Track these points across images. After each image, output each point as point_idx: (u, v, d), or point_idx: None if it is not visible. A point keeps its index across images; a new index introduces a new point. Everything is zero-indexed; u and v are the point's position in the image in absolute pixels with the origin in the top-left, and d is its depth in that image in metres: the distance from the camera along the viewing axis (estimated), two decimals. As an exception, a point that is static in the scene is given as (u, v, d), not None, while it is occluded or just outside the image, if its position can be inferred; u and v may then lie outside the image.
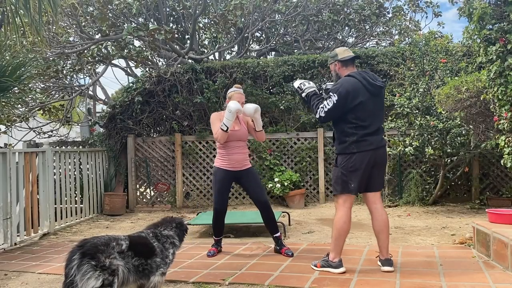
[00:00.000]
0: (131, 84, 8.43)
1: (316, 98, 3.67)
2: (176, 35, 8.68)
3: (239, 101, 4.20)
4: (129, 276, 2.64)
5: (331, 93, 3.51)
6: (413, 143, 6.40)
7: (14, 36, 4.74)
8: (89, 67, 9.01)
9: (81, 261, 2.45)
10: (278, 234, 4.30)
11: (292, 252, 4.21)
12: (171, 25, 10.13)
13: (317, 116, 3.59)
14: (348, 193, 3.53)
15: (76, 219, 6.77)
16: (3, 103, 4.57)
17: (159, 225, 3.06)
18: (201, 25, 10.60)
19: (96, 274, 2.44)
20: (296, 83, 3.85)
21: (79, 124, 11.07)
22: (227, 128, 4.07)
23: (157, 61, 9.26)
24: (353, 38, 11.93)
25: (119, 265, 2.56)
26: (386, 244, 3.57)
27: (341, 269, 3.52)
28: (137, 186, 8.29)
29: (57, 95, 9.35)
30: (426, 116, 6.45)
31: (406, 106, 6.65)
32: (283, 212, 6.17)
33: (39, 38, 4.89)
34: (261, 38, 11.91)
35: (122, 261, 2.59)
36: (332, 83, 3.80)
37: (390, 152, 7.07)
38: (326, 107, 3.52)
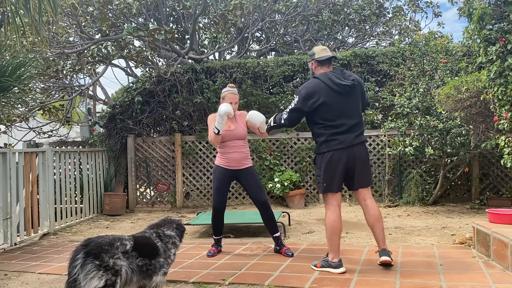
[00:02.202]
0: (131, 84, 8.44)
1: (278, 115, 3.85)
2: (176, 35, 8.68)
3: (231, 102, 4.25)
4: (133, 276, 2.64)
5: (294, 95, 3.67)
6: (413, 143, 6.41)
7: (14, 36, 4.73)
8: (89, 67, 9.01)
9: (85, 260, 2.45)
10: (278, 234, 4.29)
11: (292, 252, 4.20)
12: (171, 25, 10.12)
13: (282, 122, 3.73)
14: (329, 192, 3.58)
15: (76, 219, 6.77)
16: (3, 103, 4.57)
17: (161, 225, 3.06)
18: (201, 25, 10.59)
19: (100, 274, 2.45)
20: (265, 126, 4.07)
21: (79, 124, 11.06)
22: (219, 131, 4.11)
23: (157, 61, 9.26)
24: (353, 38, 11.94)
25: (122, 265, 2.56)
26: (382, 236, 3.62)
27: (341, 269, 3.52)
28: (137, 186, 8.29)
29: (57, 95, 9.35)
30: (426, 116, 6.45)
31: (406, 106, 6.65)
32: (283, 212, 6.18)
33: (39, 38, 4.89)
34: (261, 38, 11.91)
35: (126, 261, 2.59)
36: None
37: (390, 152, 7.08)
38: (288, 109, 3.67)
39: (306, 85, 3.64)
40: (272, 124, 3.90)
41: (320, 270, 3.60)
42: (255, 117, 4.27)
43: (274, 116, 3.95)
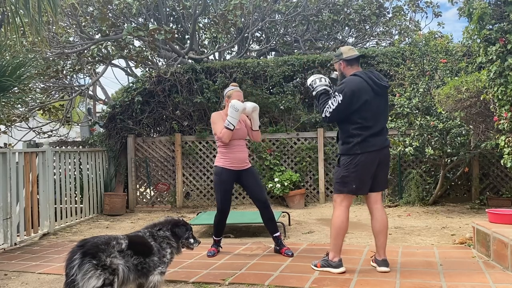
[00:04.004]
0: (131, 84, 8.44)
1: (324, 97, 3.62)
2: (176, 35, 8.68)
3: (238, 100, 4.21)
4: (129, 274, 2.65)
5: (336, 93, 3.47)
6: (413, 143, 6.40)
7: (14, 36, 4.74)
8: (89, 67, 9.01)
9: (82, 260, 2.45)
10: (278, 234, 4.29)
11: (292, 252, 4.21)
12: (171, 25, 10.13)
13: (323, 115, 3.56)
14: (348, 193, 3.53)
15: (76, 219, 6.77)
16: (3, 103, 4.57)
17: (156, 225, 3.07)
18: (201, 25, 10.59)
19: (97, 273, 2.45)
20: (309, 80, 3.80)
21: (79, 124, 11.07)
22: (234, 127, 4.06)
23: (157, 61, 9.26)
24: (353, 38, 11.94)
25: (119, 264, 2.58)
26: (384, 245, 3.57)
27: (341, 269, 3.52)
28: (137, 186, 8.29)
29: (57, 95, 9.35)
30: (426, 116, 6.45)
31: (406, 106, 6.65)
32: (283, 212, 6.17)
33: (39, 38, 4.89)
34: (261, 38, 11.91)
35: (122, 260, 2.61)
36: (336, 73, 3.77)
37: (390, 152, 7.06)
38: (331, 107, 3.47)
39: (349, 83, 3.47)
40: (314, 94, 3.70)
41: (320, 270, 3.60)
42: (248, 105, 4.19)
43: (320, 88, 3.65)
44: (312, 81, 3.75)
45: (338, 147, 3.64)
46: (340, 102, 3.42)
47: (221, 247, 4.46)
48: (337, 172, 3.59)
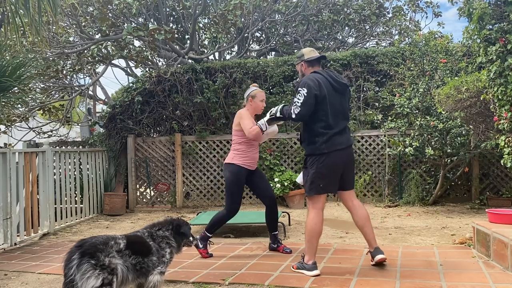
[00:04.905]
0: (131, 84, 8.44)
1: (286, 107, 3.73)
2: (176, 35, 8.68)
3: (263, 99, 4.30)
4: (128, 274, 2.65)
5: (299, 88, 3.47)
6: (413, 143, 6.40)
7: (14, 36, 4.74)
8: (89, 67, 9.01)
9: (80, 260, 2.45)
10: (277, 232, 4.37)
11: (290, 249, 4.27)
12: (171, 25, 10.12)
13: (293, 116, 3.52)
14: (317, 194, 3.52)
15: (76, 219, 6.77)
16: (3, 103, 4.57)
17: (155, 225, 3.08)
18: (201, 25, 10.60)
19: (96, 273, 2.45)
20: (268, 114, 3.93)
21: (79, 124, 11.07)
22: (266, 129, 4.05)
23: (157, 61, 9.27)
24: (353, 38, 11.94)
25: (118, 263, 2.58)
26: (372, 236, 3.61)
27: (315, 272, 3.48)
28: (137, 186, 8.29)
29: (57, 95, 9.35)
30: (426, 116, 6.45)
31: (406, 106, 6.65)
32: (283, 212, 6.17)
33: (39, 38, 4.89)
34: (261, 38, 11.91)
35: (121, 260, 2.61)
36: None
37: (390, 152, 7.08)
38: (298, 103, 3.46)
39: (309, 77, 3.51)
40: (278, 115, 3.77)
41: (296, 272, 3.60)
42: (274, 130, 4.27)
43: (279, 106, 3.81)
44: (269, 112, 3.91)
45: (304, 148, 3.63)
46: (305, 94, 3.42)
47: (212, 243, 4.41)
48: (305, 173, 3.59)
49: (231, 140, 4.59)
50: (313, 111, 3.47)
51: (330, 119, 3.46)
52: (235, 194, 4.18)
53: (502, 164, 4.82)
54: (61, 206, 6.37)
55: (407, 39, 9.92)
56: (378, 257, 3.54)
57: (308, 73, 3.63)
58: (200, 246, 4.25)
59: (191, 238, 3.18)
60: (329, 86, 3.49)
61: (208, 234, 4.31)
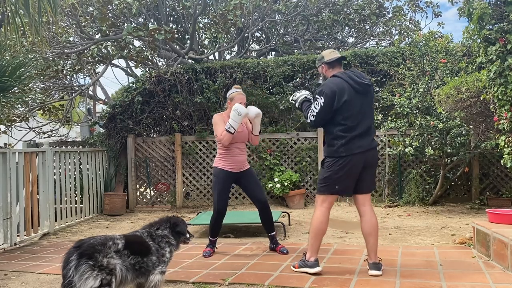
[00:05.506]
0: (131, 84, 8.44)
1: (307, 104, 3.69)
2: (176, 35, 8.68)
3: (241, 102, 4.21)
4: (127, 274, 2.65)
5: (317, 96, 3.49)
6: (413, 143, 6.40)
7: (14, 36, 4.73)
8: (89, 67, 9.01)
9: (79, 261, 2.45)
10: (274, 233, 4.39)
11: (287, 249, 4.28)
12: (171, 25, 10.13)
13: (308, 120, 3.57)
14: (330, 194, 3.51)
15: (76, 219, 6.77)
16: (3, 103, 4.57)
17: (153, 224, 3.07)
18: (201, 25, 10.60)
19: (94, 274, 2.45)
20: (290, 98, 3.91)
21: (79, 124, 11.08)
22: (235, 130, 4.07)
23: (157, 61, 9.27)
24: (353, 38, 11.94)
25: (116, 264, 2.57)
26: (375, 248, 3.51)
27: (317, 269, 3.49)
28: (137, 186, 8.29)
29: (57, 95, 9.35)
30: (426, 116, 6.45)
31: (406, 106, 6.65)
32: (283, 212, 6.17)
33: (39, 38, 4.89)
34: (261, 38, 11.91)
35: (119, 260, 2.61)
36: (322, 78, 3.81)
37: (390, 152, 7.08)
38: (314, 111, 3.49)
39: (328, 84, 3.48)
40: (297, 106, 3.79)
41: (298, 271, 3.59)
42: (252, 110, 4.23)
43: (302, 97, 3.76)
44: (293, 96, 3.87)
45: (324, 149, 3.62)
46: (322, 104, 3.43)
47: (217, 247, 4.48)
48: (322, 173, 3.58)
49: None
50: (332, 115, 3.44)
51: (349, 122, 3.41)
52: (217, 195, 4.25)
53: (502, 164, 4.82)
54: (61, 206, 6.37)
55: (407, 39, 9.93)
56: (373, 272, 3.46)
57: (329, 75, 3.59)
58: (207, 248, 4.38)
59: (187, 235, 3.17)
60: (350, 89, 3.43)
61: (212, 238, 4.41)
